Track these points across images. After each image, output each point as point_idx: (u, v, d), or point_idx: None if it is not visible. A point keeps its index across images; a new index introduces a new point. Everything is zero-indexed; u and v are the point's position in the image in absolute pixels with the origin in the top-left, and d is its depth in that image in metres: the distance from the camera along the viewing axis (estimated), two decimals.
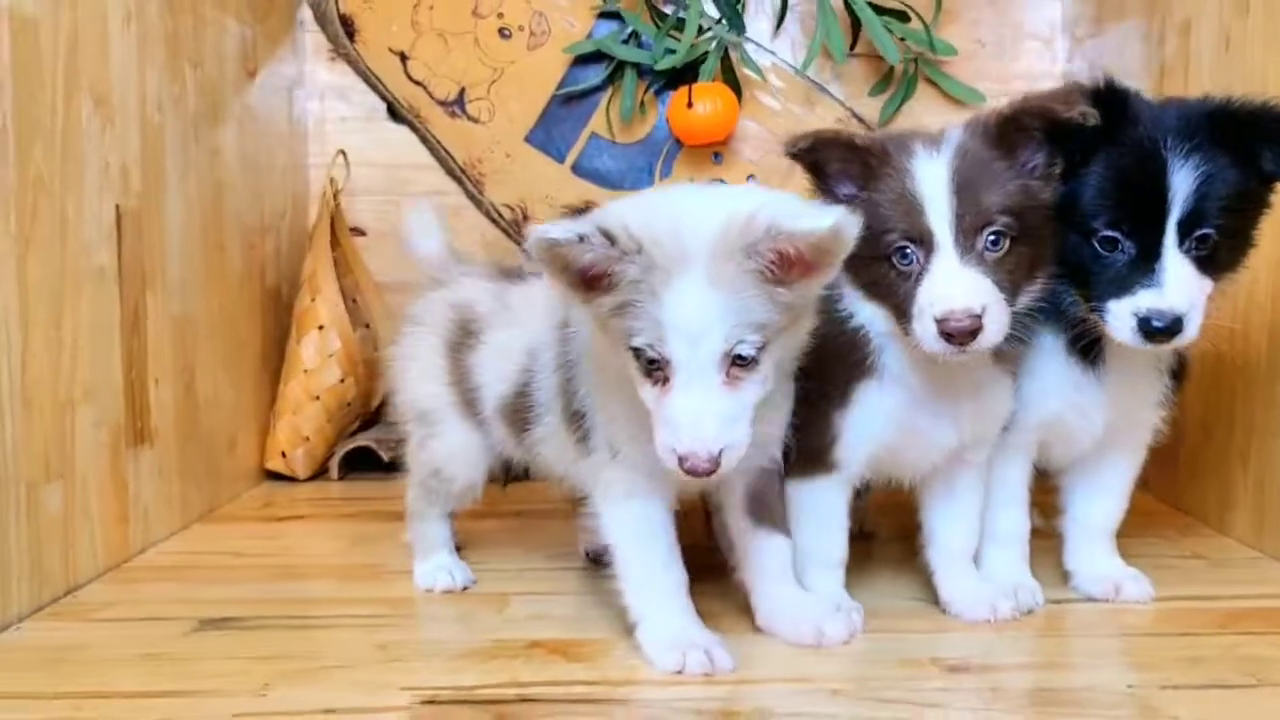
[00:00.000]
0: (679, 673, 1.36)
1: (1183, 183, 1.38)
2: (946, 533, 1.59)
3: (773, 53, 2.77)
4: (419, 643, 1.50)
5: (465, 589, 1.73)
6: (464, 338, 1.72)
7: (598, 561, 1.67)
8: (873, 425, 1.49)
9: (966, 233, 1.36)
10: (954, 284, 1.34)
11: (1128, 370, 1.56)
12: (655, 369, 1.26)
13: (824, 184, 1.47)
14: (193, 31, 2.21)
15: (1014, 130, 1.39)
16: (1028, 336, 1.49)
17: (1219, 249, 1.43)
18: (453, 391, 1.74)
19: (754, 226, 1.21)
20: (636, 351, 1.26)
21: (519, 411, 1.61)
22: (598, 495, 1.49)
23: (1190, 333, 1.40)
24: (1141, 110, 1.44)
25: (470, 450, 1.75)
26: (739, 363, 1.25)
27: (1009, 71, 2.82)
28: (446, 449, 1.76)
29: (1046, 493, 1.72)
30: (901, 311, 1.40)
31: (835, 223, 1.20)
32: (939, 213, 1.36)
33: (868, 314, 1.47)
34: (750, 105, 2.74)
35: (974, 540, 1.60)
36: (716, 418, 1.24)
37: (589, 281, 1.26)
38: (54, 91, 1.72)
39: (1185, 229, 1.39)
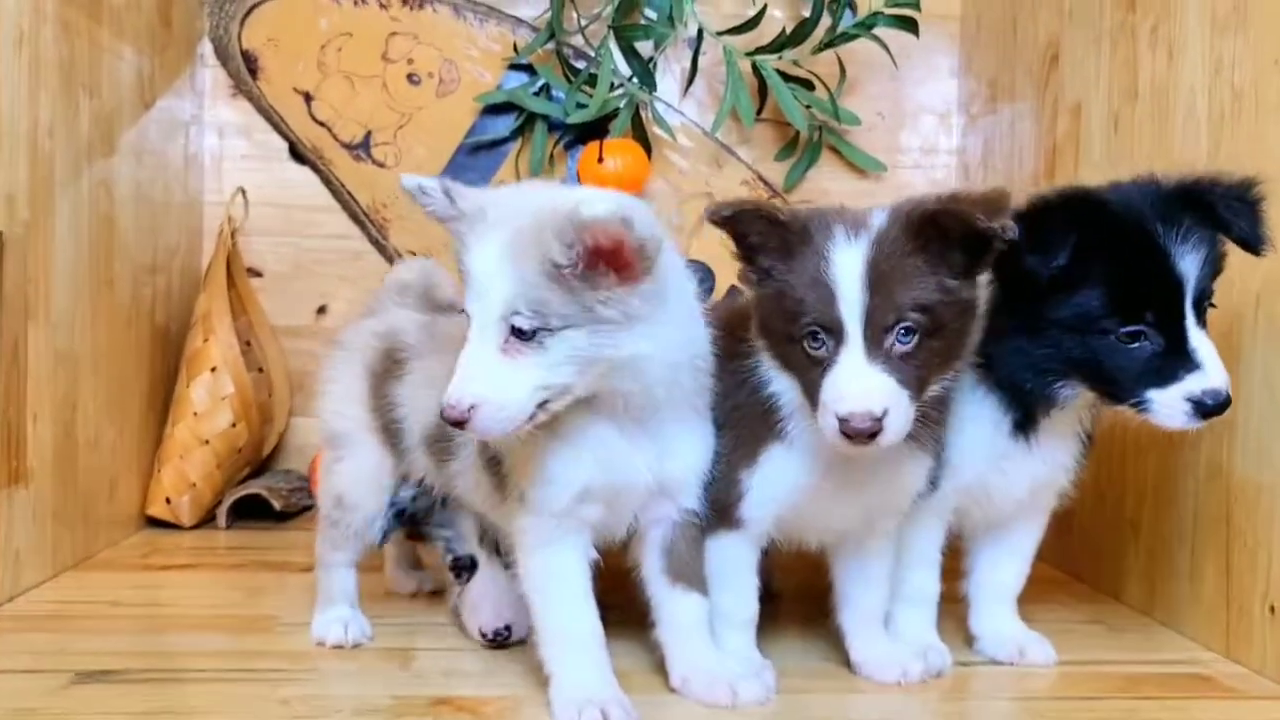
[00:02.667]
0: None
1: (1190, 268, 1.43)
2: (858, 596, 1.59)
3: (682, 113, 2.80)
4: (323, 698, 1.43)
5: (357, 645, 1.66)
6: (389, 366, 1.68)
7: None
8: (777, 487, 1.49)
9: (876, 328, 1.34)
10: (857, 384, 1.33)
11: (1054, 436, 1.60)
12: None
13: (745, 251, 1.45)
14: (88, 58, 2.13)
15: (933, 229, 1.37)
16: (941, 419, 1.50)
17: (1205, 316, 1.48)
18: (371, 417, 1.70)
19: (562, 212, 1.25)
20: None
21: (439, 442, 1.58)
22: (515, 544, 1.47)
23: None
24: (1115, 205, 1.46)
25: (376, 475, 1.71)
26: (517, 334, 1.27)
27: (908, 143, 2.91)
28: (353, 472, 1.72)
29: (953, 556, 1.74)
30: (810, 393, 1.39)
31: (610, 212, 1.22)
32: (850, 305, 1.34)
33: (781, 385, 1.47)
34: (659, 163, 2.76)
35: (885, 603, 1.60)
36: (480, 374, 1.27)
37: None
38: None
39: (1197, 308, 1.44)
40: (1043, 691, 1.55)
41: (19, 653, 1.59)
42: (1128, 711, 1.46)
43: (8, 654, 1.59)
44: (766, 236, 1.40)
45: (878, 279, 1.34)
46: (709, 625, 1.51)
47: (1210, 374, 1.42)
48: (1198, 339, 1.43)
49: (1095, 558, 2.06)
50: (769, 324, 1.42)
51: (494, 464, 1.48)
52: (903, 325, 1.34)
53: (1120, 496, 1.98)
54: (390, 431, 1.68)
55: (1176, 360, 1.43)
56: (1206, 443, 1.73)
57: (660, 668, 1.51)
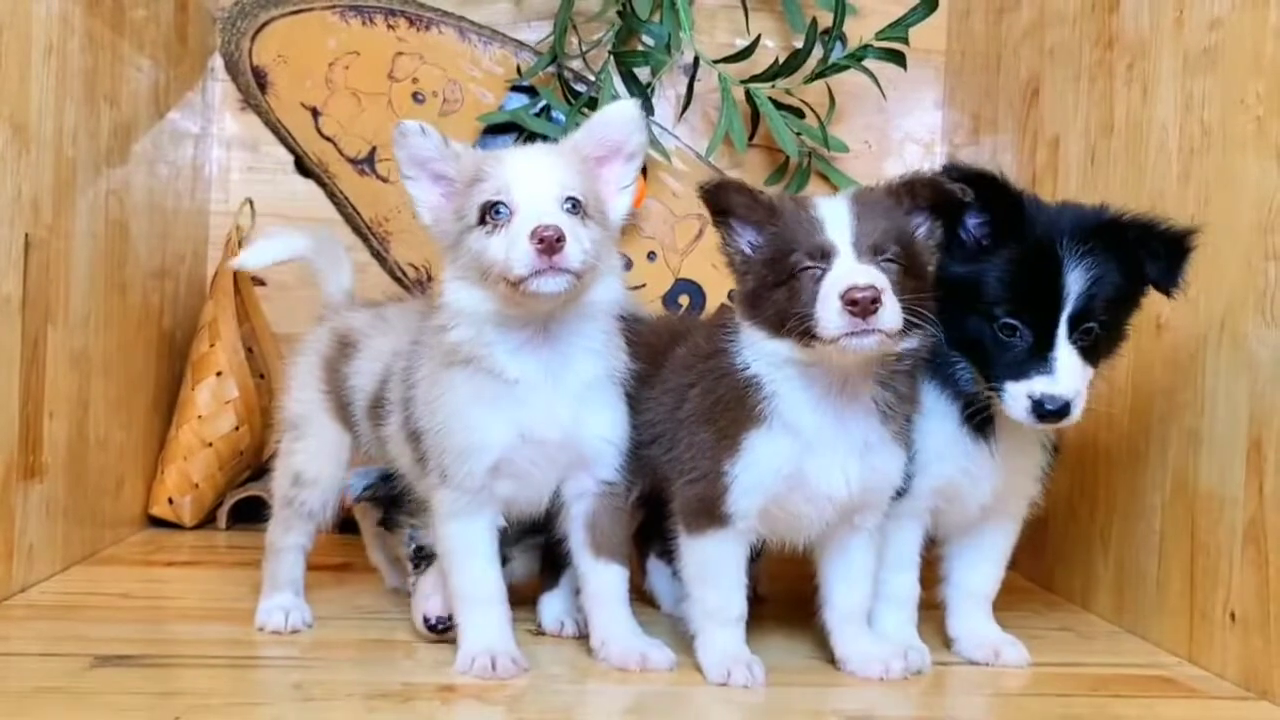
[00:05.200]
0: (464, 673, 1.53)
1: (1075, 282, 1.55)
2: (841, 595, 1.67)
3: (677, 137, 2.90)
4: (333, 683, 1.50)
5: (295, 631, 1.75)
6: (342, 349, 1.84)
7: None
8: (763, 473, 1.56)
9: (864, 249, 1.49)
10: (855, 269, 1.46)
11: (1015, 441, 1.69)
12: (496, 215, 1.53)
13: (728, 232, 1.59)
14: (110, 69, 2.21)
15: (907, 195, 1.56)
16: (911, 396, 1.61)
17: (1100, 341, 1.59)
18: (326, 398, 1.85)
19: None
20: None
21: (376, 407, 1.74)
22: (433, 513, 1.63)
23: (1075, 415, 1.55)
24: (1038, 212, 1.61)
25: (334, 451, 1.85)
26: (570, 210, 1.52)
27: (893, 171, 2.97)
28: (311, 448, 1.85)
29: (932, 565, 1.82)
30: (805, 323, 1.47)
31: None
32: (839, 231, 1.49)
33: (768, 351, 1.54)
34: (654, 185, 2.85)
35: (868, 602, 1.67)
36: (558, 218, 1.49)
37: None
38: None
39: (1075, 323, 1.56)
40: (1016, 689, 1.63)
41: (37, 638, 1.66)
42: (1097, 708, 1.54)
43: (26, 639, 1.66)
44: (750, 209, 1.56)
45: (861, 215, 1.51)
46: (626, 596, 1.68)
47: (1058, 380, 1.55)
48: (1064, 350, 1.56)
49: (1066, 569, 2.15)
50: (758, 282, 1.55)
51: (414, 439, 1.63)
52: (884, 253, 1.49)
53: (1091, 511, 2.07)
54: (345, 409, 1.82)
55: (1036, 361, 1.56)
56: (1173, 459, 1.83)
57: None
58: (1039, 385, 1.54)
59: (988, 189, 1.58)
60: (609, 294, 1.61)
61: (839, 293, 1.43)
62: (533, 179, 1.53)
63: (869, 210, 1.52)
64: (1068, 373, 1.55)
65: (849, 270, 1.46)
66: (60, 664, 1.54)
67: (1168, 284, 1.60)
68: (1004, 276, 1.58)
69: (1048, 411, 1.54)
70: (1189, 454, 1.79)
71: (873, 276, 1.45)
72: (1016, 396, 1.55)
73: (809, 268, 1.48)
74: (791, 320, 1.49)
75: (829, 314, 1.44)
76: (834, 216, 1.51)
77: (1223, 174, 1.75)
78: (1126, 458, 1.97)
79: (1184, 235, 1.60)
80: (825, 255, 1.48)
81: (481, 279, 1.54)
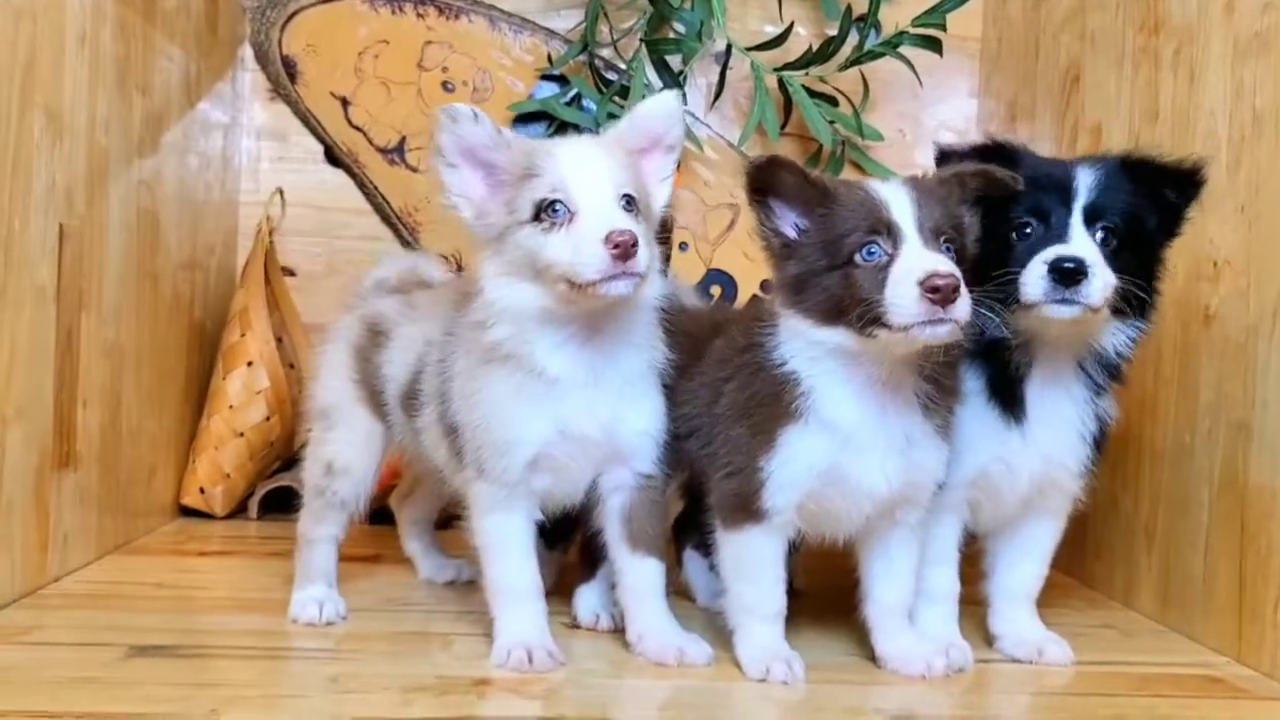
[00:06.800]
0: (500, 666, 1.52)
1: (1086, 179, 1.59)
2: (882, 590, 1.64)
3: (709, 126, 2.87)
4: (369, 676, 1.49)
5: (329, 623, 1.73)
6: (373, 339, 1.82)
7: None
8: (798, 469, 1.53)
9: (928, 231, 1.45)
10: (930, 256, 1.43)
11: (1052, 431, 1.66)
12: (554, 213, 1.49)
13: (767, 213, 1.54)
14: (142, 58, 2.20)
15: (957, 185, 1.53)
16: (953, 389, 1.58)
17: (1121, 252, 1.58)
18: (358, 387, 1.82)
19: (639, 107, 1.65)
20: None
21: (410, 397, 1.72)
22: (470, 507, 1.62)
23: (1095, 290, 1.52)
24: (1040, 159, 1.69)
25: (366, 440, 1.83)
26: (626, 206, 1.50)
27: (927, 159, 2.93)
28: (342, 438, 1.83)
29: (974, 561, 1.79)
30: (872, 309, 1.42)
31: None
32: (903, 212, 1.46)
33: (814, 341, 1.50)
34: (685, 174, 2.82)
35: (909, 598, 1.65)
36: (625, 221, 1.46)
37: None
38: (8, 104, 1.70)
39: (1089, 217, 1.57)
40: (1060, 688, 1.60)
41: (73, 627, 1.66)
42: (1145, 708, 1.51)
43: (63, 628, 1.65)
44: (800, 190, 1.51)
45: (920, 199, 1.48)
46: (663, 590, 1.66)
47: (1072, 245, 1.54)
48: (1079, 232, 1.56)
49: (1108, 565, 2.12)
50: (805, 266, 1.50)
51: (451, 432, 1.62)
52: (945, 236, 1.47)
53: (1134, 505, 2.04)
54: (377, 398, 1.80)
55: (1048, 240, 1.57)
56: (1221, 451, 1.79)
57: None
58: (1052, 251, 1.54)
59: (993, 153, 1.63)
60: (651, 289, 1.59)
61: (917, 279, 1.39)
62: (590, 177, 1.49)
63: (928, 196, 1.49)
64: (1081, 241, 1.55)
65: (924, 256, 1.42)
66: (97, 654, 1.53)
67: (1182, 204, 1.63)
68: (1017, 195, 1.57)
69: (1065, 270, 1.51)
70: (1238, 446, 1.75)
71: (948, 263, 1.42)
72: (1032, 272, 1.54)
73: (871, 252, 1.45)
74: (854, 306, 1.44)
75: (905, 300, 1.40)
76: (895, 198, 1.47)
77: (1275, 162, 1.71)
78: (1172, 449, 1.93)
79: (1192, 168, 1.63)
80: (890, 234, 1.45)
81: (535, 277, 1.50)
